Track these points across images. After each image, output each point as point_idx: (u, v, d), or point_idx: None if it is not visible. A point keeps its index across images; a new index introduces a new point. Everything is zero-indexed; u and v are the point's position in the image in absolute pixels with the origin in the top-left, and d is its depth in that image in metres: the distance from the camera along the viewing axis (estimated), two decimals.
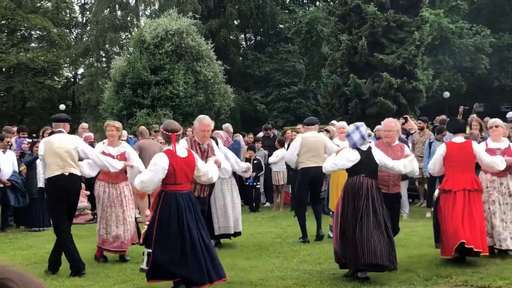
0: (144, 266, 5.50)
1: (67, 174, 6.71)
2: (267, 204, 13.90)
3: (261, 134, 15.10)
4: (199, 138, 6.05)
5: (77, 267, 6.60)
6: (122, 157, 7.40)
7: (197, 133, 6.17)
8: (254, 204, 12.78)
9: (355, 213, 6.05)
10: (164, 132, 5.65)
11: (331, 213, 8.09)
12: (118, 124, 7.72)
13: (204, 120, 6.13)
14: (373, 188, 6.14)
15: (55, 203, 6.78)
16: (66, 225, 6.76)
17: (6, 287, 1.24)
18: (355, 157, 6.19)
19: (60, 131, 6.94)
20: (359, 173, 6.18)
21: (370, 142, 6.52)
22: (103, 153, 7.36)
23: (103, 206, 7.39)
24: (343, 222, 6.12)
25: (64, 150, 6.73)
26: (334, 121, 12.30)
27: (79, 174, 6.89)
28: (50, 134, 7.69)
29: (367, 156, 6.22)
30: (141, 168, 7.09)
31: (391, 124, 6.90)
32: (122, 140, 8.33)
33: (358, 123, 6.46)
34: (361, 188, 6.11)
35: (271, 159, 12.64)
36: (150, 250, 5.43)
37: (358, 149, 6.24)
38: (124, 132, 12.62)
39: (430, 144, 10.76)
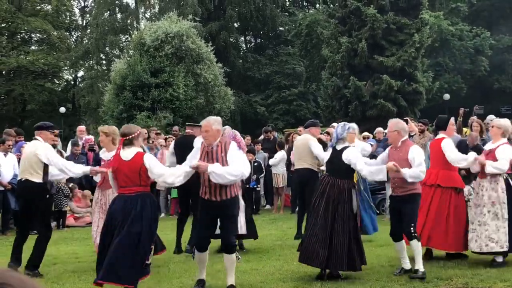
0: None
1: (23, 180, 6.86)
2: (268, 206, 13.90)
3: (262, 137, 15.10)
4: (204, 140, 6.04)
5: (11, 266, 6.70)
6: None
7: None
8: (254, 207, 12.77)
9: (312, 208, 6.32)
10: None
11: None
12: (107, 129, 7.31)
13: (203, 122, 6.12)
14: (332, 187, 6.15)
15: (19, 205, 7.43)
16: (21, 227, 7.12)
17: None
18: (326, 155, 6.57)
19: (35, 139, 7.09)
20: (326, 170, 6.45)
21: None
22: (101, 159, 7.33)
23: (93, 212, 7.46)
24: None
25: (24, 156, 6.94)
26: (335, 123, 12.30)
27: (37, 180, 6.84)
28: None
29: (336, 155, 6.30)
30: None
31: (389, 124, 6.74)
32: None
33: (341, 123, 6.61)
34: (320, 184, 6.31)
35: (271, 162, 12.64)
36: None
37: (334, 148, 6.40)
38: None
39: None
